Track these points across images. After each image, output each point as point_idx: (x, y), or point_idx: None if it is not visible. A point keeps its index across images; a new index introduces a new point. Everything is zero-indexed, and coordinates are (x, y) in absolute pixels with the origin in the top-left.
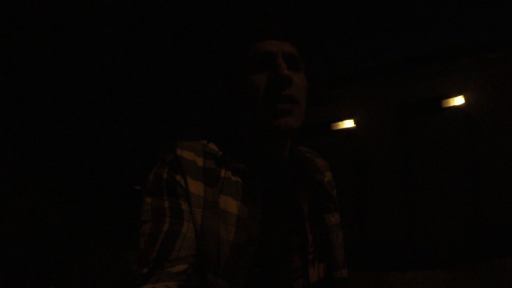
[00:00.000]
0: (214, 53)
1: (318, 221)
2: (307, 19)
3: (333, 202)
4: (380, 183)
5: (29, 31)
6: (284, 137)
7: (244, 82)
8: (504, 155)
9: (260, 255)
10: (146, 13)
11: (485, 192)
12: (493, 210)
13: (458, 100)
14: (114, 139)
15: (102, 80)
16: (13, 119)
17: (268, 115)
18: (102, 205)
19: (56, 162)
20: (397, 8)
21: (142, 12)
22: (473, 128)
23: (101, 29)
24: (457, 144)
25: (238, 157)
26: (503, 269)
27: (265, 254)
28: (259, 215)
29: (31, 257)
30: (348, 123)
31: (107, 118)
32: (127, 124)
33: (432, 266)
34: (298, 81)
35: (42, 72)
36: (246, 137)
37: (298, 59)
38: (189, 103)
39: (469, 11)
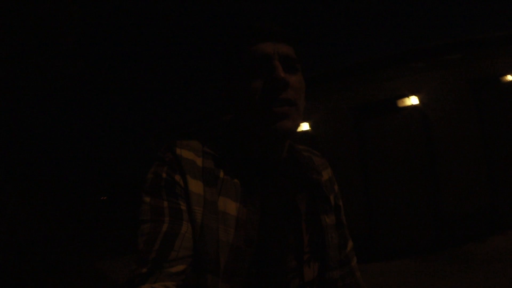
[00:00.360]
0: (212, 56)
1: (314, 222)
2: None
3: (328, 203)
4: (341, 182)
5: None
6: (281, 139)
7: (241, 86)
8: (458, 150)
9: (258, 255)
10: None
11: (443, 185)
12: (450, 202)
13: (413, 100)
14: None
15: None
16: None
17: (266, 118)
18: (72, 216)
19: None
20: (355, 12)
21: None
22: (428, 125)
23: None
24: (414, 141)
25: (236, 157)
26: (467, 254)
27: (262, 255)
28: (258, 217)
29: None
30: (304, 126)
31: (76, 127)
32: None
33: (399, 257)
34: (295, 83)
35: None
36: (244, 138)
37: (295, 60)
38: (186, 105)
39: (425, 14)
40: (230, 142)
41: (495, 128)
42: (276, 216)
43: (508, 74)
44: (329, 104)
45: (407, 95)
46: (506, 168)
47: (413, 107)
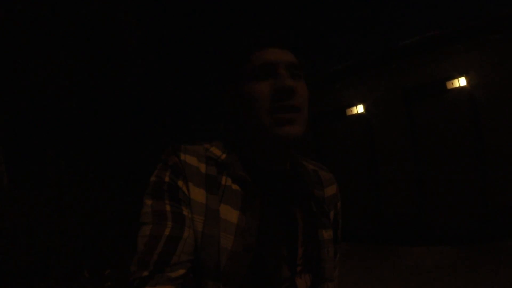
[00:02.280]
0: (215, 60)
1: (311, 236)
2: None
3: (327, 218)
4: (392, 164)
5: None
6: (287, 146)
7: (246, 91)
8: (509, 133)
9: (255, 262)
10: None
11: (492, 172)
12: (500, 190)
13: (462, 81)
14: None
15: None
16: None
17: (272, 124)
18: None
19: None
20: None
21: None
22: (476, 108)
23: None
24: (462, 124)
25: (239, 164)
26: (507, 250)
27: (258, 263)
28: (257, 224)
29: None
30: (360, 108)
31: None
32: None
33: (441, 243)
34: (300, 90)
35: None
36: (247, 145)
37: (299, 67)
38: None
39: None
40: (233, 148)
41: None
42: (273, 226)
43: None
44: (381, 87)
45: (456, 77)
46: None
47: (461, 88)
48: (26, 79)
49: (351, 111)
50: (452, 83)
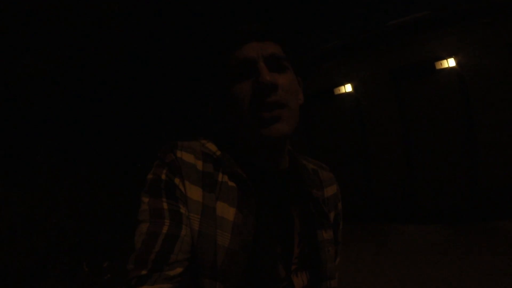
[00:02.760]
0: (199, 62)
1: (309, 236)
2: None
3: (327, 218)
4: (382, 143)
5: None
6: (277, 145)
7: (228, 92)
8: (497, 115)
9: (251, 261)
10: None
11: (481, 152)
12: (489, 171)
13: (451, 62)
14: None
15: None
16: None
17: (256, 124)
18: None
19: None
20: None
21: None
22: (466, 88)
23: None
24: (451, 104)
25: (235, 160)
26: (495, 231)
27: (255, 261)
28: (253, 222)
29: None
30: (348, 88)
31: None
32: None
33: (430, 222)
34: (284, 83)
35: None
36: (239, 143)
37: (283, 58)
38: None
39: None
40: (228, 145)
41: None
42: (269, 225)
43: None
44: (368, 66)
45: (445, 58)
46: None
47: (450, 69)
48: (14, 74)
49: (339, 90)
50: (441, 64)
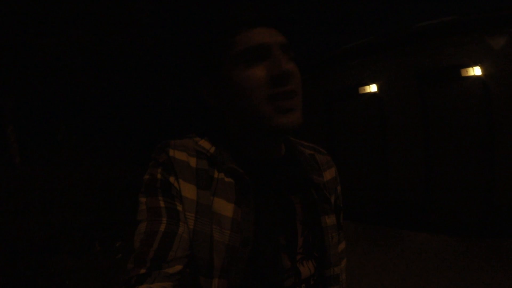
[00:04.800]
0: (191, 46)
1: (312, 223)
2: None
3: (329, 203)
4: (402, 147)
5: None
6: (285, 134)
7: (237, 78)
8: None
9: (253, 255)
10: None
11: (501, 167)
12: (508, 187)
13: (476, 70)
14: None
15: None
16: None
17: (273, 112)
18: None
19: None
20: None
21: None
22: (489, 98)
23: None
24: (475, 114)
25: (229, 156)
26: (508, 251)
27: (257, 255)
28: (252, 217)
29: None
30: (372, 88)
31: None
32: None
33: (443, 232)
34: (295, 72)
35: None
36: (238, 136)
37: (290, 47)
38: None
39: None
40: (222, 140)
41: None
42: (269, 217)
43: None
44: (395, 68)
45: (471, 65)
46: None
47: (475, 78)
48: (37, 57)
49: (364, 89)
50: (466, 71)
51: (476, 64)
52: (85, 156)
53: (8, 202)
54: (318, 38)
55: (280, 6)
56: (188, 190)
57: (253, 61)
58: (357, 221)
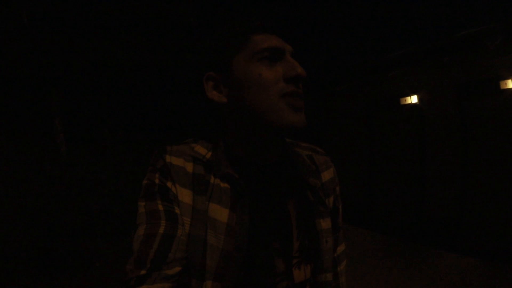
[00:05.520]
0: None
1: (307, 226)
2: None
3: (325, 206)
4: (440, 161)
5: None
6: (288, 134)
7: (253, 74)
8: None
9: (247, 259)
10: None
11: None
12: None
13: None
14: None
15: None
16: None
17: (285, 108)
18: None
19: None
20: None
21: None
22: None
23: None
24: None
25: (225, 161)
26: None
27: (251, 259)
28: (247, 222)
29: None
30: (414, 98)
31: None
32: None
33: (473, 254)
34: (305, 77)
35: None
36: (236, 137)
37: (296, 57)
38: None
39: None
40: (219, 145)
41: None
42: (264, 222)
43: None
44: (435, 79)
45: (509, 78)
46: None
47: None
48: (84, 55)
49: (405, 100)
50: (505, 84)
51: None
52: (129, 150)
53: (52, 187)
54: (357, 48)
55: (293, 24)
56: (185, 195)
57: (268, 60)
58: (390, 234)
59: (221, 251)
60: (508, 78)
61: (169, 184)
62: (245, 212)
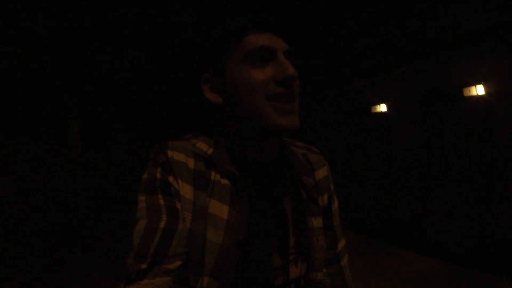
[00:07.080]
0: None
1: (301, 224)
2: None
3: (317, 205)
4: (404, 163)
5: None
6: (281, 135)
7: (242, 76)
8: None
9: (245, 255)
10: None
11: (499, 195)
12: (506, 218)
13: (479, 90)
14: None
15: None
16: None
17: (271, 112)
18: None
19: None
20: None
21: None
22: (492, 118)
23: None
24: (476, 136)
25: (226, 158)
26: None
27: (248, 255)
28: (246, 219)
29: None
30: (382, 107)
31: None
32: None
33: (434, 256)
34: (297, 77)
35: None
36: (235, 136)
37: (292, 54)
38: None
39: None
40: (220, 141)
41: None
42: (262, 218)
43: None
44: (401, 87)
45: (473, 84)
46: None
47: (478, 97)
48: (98, 68)
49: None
50: (469, 90)
51: (478, 83)
52: (139, 149)
53: (70, 181)
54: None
55: (288, 18)
56: (186, 191)
57: (259, 61)
58: (359, 232)
59: (220, 247)
60: (471, 85)
61: (170, 179)
62: (245, 209)
